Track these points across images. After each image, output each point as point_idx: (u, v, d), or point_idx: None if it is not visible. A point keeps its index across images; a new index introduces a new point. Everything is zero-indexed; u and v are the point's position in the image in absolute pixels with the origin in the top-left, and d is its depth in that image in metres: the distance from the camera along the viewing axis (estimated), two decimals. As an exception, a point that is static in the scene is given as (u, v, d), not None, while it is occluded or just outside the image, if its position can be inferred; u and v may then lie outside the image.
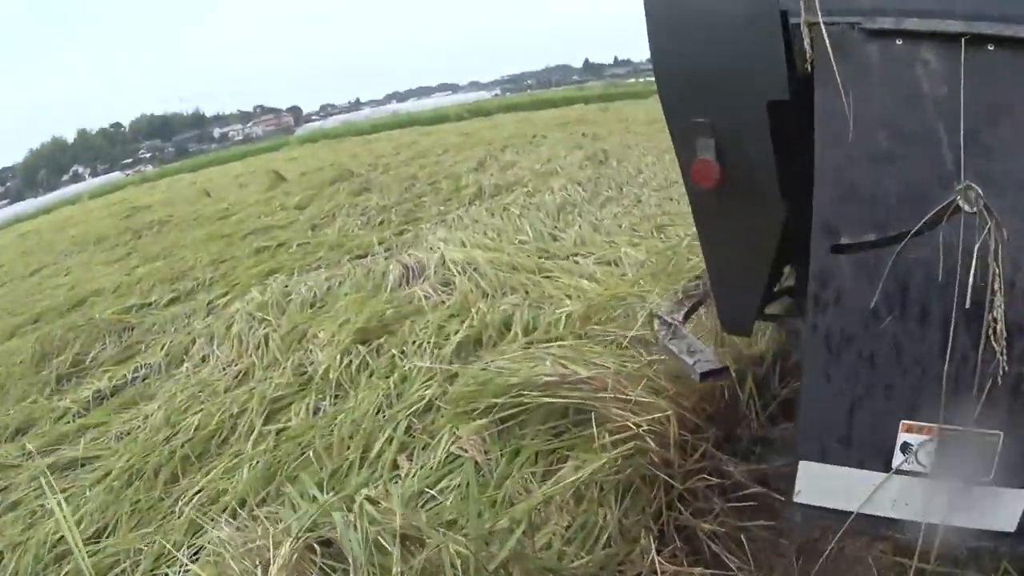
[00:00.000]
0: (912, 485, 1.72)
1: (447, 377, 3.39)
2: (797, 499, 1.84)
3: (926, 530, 1.71)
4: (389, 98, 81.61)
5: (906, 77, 1.59)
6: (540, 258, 5.33)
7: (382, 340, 4.09)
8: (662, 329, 2.66)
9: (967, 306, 1.54)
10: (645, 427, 2.42)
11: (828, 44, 1.59)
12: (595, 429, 2.49)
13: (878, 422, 1.73)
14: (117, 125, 74.04)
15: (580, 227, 6.27)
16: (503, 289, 4.62)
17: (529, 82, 77.99)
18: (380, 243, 6.90)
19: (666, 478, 2.35)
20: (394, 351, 3.89)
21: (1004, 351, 1.53)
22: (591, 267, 4.92)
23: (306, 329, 4.56)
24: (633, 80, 44.63)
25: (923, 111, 1.58)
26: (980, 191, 1.52)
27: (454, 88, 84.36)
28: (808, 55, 1.63)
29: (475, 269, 4.97)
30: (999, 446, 1.63)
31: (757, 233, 2.03)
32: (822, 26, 1.59)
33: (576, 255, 5.35)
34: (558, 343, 3.27)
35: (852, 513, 1.78)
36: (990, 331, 1.53)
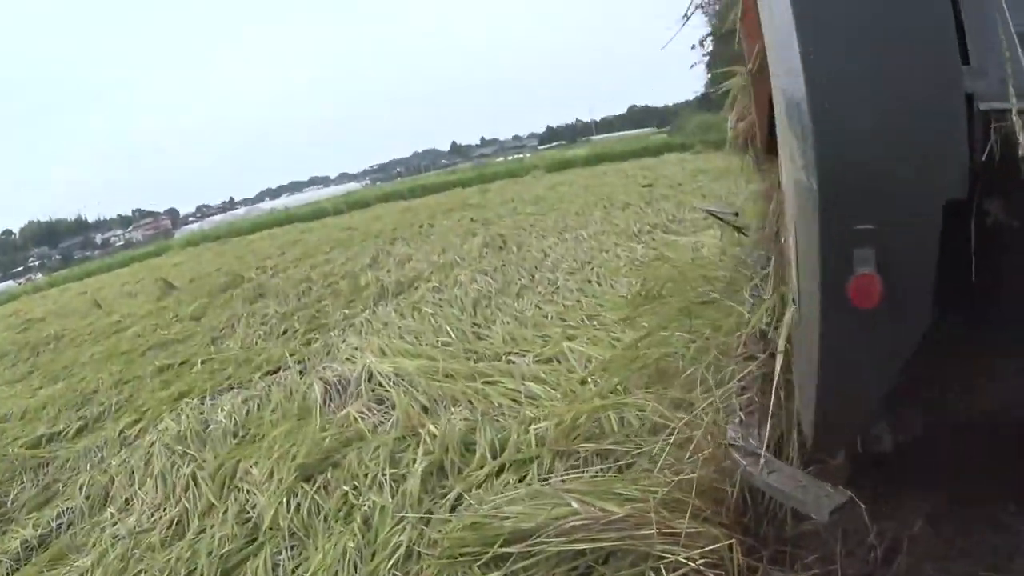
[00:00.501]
0: None
1: (419, 517, 3.05)
2: None
3: None
4: (262, 195, 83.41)
5: None
6: (471, 360, 5.03)
7: (327, 475, 3.69)
8: (750, 463, 2.39)
9: None
10: (699, 560, 2.23)
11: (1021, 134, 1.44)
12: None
13: None
14: (8, 232, 73.91)
15: (503, 322, 5.98)
16: (443, 402, 4.26)
17: (399, 169, 79.47)
18: (291, 355, 6.46)
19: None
20: (346, 488, 3.48)
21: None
22: (532, 367, 4.62)
23: (236, 465, 4.11)
24: (501, 159, 45.42)
25: None
26: None
27: (325, 181, 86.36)
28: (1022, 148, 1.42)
29: (407, 380, 4.61)
30: None
31: (892, 350, 1.83)
32: (1015, 114, 1.46)
33: (509, 354, 5.07)
34: (570, 478, 2.95)
35: None
36: None
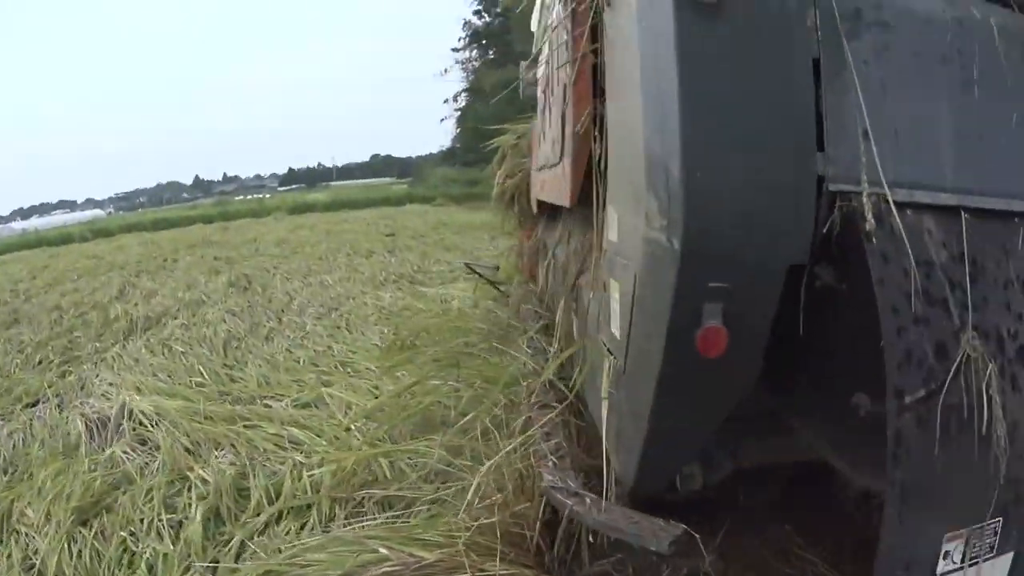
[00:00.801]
0: None
1: (206, 567, 2.92)
2: None
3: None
4: (15, 214, 76.14)
5: (919, 243, 1.75)
6: (226, 403, 4.85)
7: (103, 519, 3.43)
8: (577, 504, 2.41)
9: (983, 433, 1.73)
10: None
11: (869, 213, 1.70)
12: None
13: (931, 541, 1.78)
14: None
15: (256, 365, 5.82)
16: (206, 444, 4.09)
17: (142, 199, 75.75)
18: (49, 387, 5.95)
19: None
20: (123, 534, 3.26)
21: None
22: (291, 412, 4.54)
23: (11, 505, 3.75)
24: (241, 197, 44.24)
25: (936, 278, 1.75)
26: (980, 342, 1.73)
27: (72, 205, 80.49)
28: (869, 224, 1.69)
29: (168, 421, 4.41)
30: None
31: (724, 395, 2.04)
32: (865, 196, 1.71)
33: (266, 398, 4.94)
34: (360, 525, 2.93)
35: None
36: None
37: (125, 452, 4.07)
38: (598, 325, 2.51)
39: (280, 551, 2.84)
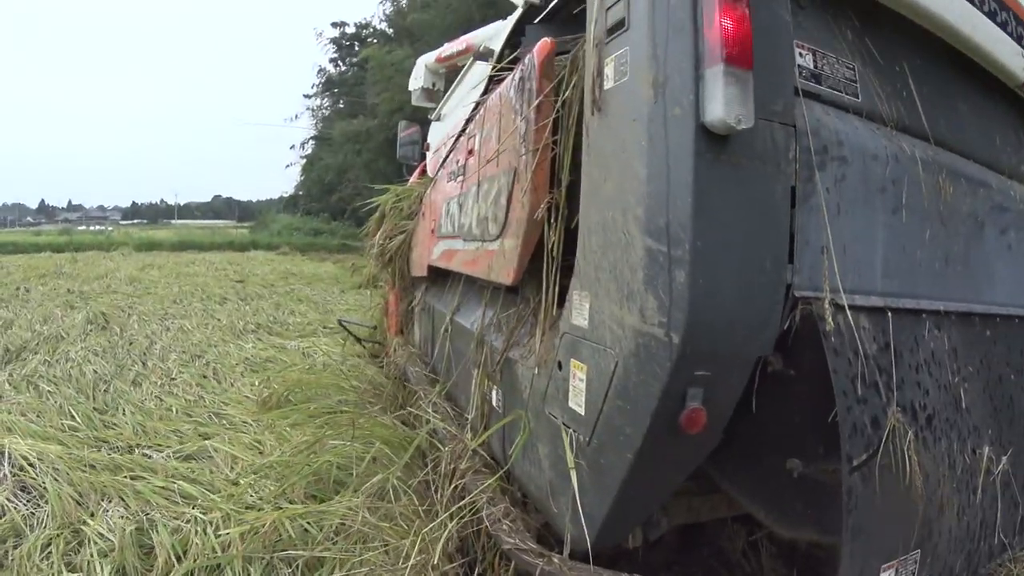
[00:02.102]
0: None
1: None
2: None
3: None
4: None
5: (858, 338, 2.07)
6: (106, 451, 4.54)
7: None
8: (546, 564, 2.47)
9: (906, 484, 2.05)
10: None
11: (829, 316, 2.00)
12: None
13: (872, 572, 2.05)
14: None
15: (128, 411, 5.50)
16: (93, 494, 3.79)
17: None
18: None
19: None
20: None
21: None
22: (174, 463, 4.31)
23: None
24: (84, 227, 42.10)
25: (871, 365, 2.07)
26: (901, 414, 2.09)
27: None
28: (828, 325, 1.99)
29: (49, 466, 4.05)
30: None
31: (688, 465, 2.28)
32: (826, 302, 2.01)
33: (143, 447, 4.66)
34: None
35: None
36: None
37: (9, 501, 3.71)
38: (544, 400, 2.62)
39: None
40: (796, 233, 1.99)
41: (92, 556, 3.18)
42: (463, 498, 3.00)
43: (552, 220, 2.59)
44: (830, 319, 2.00)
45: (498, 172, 3.12)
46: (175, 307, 10.83)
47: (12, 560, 3.20)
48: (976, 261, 2.70)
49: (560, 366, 2.46)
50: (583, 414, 2.28)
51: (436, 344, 4.64)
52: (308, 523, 3.34)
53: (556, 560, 2.46)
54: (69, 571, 3.11)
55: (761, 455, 2.41)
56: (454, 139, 4.57)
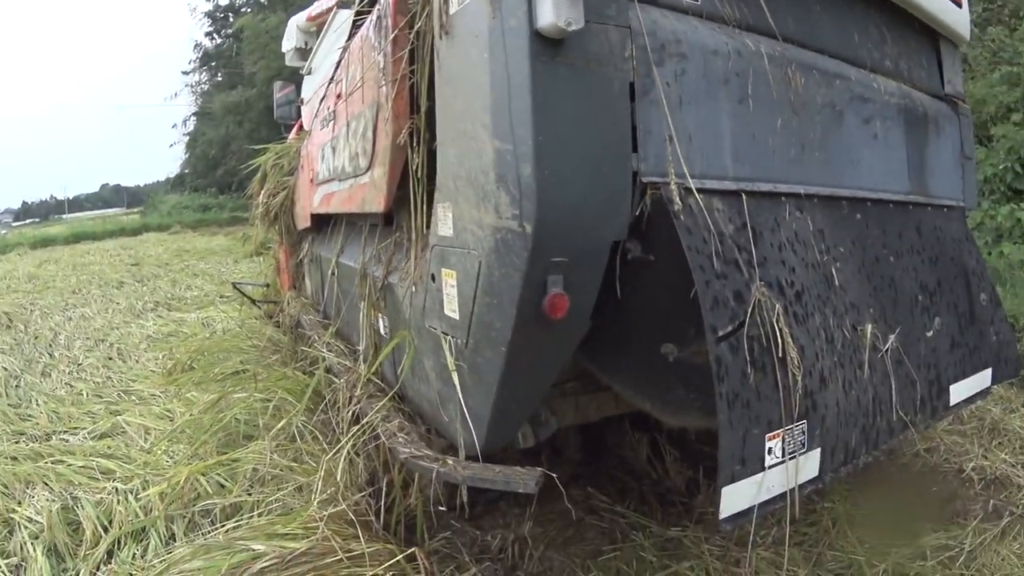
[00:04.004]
0: (776, 472, 2.10)
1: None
2: (723, 516, 1.99)
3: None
4: None
5: (712, 218, 2.14)
6: (24, 442, 4.43)
7: None
8: (442, 466, 2.49)
9: (780, 355, 2.11)
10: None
11: (676, 196, 2.06)
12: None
13: (756, 441, 2.05)
14: None
15: (42, 402, 5.33)
16: (16, 485, 3.70)
17: None
18: None
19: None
20: None
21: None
22: (91, 443, 4.25)
23: None
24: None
25: (728, 244, 2.14)
26: (766, 289, 2.15)
27: None
28: (676, 205, 2.05)
29: None
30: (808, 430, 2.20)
31: (559, 353, 2.31)
32: (673, 184, 2.07)
33: (60, 432, 4.58)
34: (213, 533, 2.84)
35: (755, 506, 2.05)
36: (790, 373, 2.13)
37: None
38: (423, 314, 2.62)
39: (147, 569, 2.71)
40: (638, 124, 2.04)
41: (24, 540, 3.15)
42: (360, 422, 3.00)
43: (415, 144, 2.60)
44: (678, 199, 2.06)
45: (363, 108, 3.13)
46: (75, 297, 10.47)
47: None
48: (837, 148, 2.73)
49: (433, 278, 2.47)
50: (458, 319, 2.30)
51: (326, 289, 4.61)
52: (222, 476, 3.38)
53: (451, 462, 2.49)
54: (3, 558, 3.07)
55: (637, 344, 2.45)
56: (324, 87, 4.54)
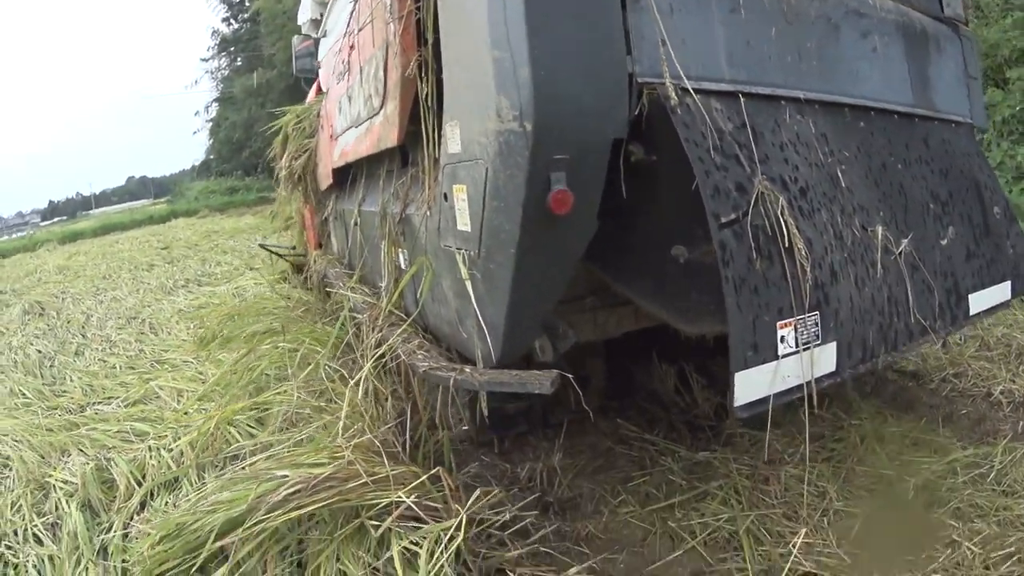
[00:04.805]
0: (790, 362, 2.14)
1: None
2: (738, 403, 2.02)
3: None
4: None
5: (710, 115, 2.19)
6: (58, 416, 4.37)
7: None
8: (459, 375, 2.54)
9: (786, 245, 2.14)
10: (411, 497, 2.31)
11: (672, 93, 2.10)
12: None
13: (768, 328, 2.09)
14: None
15: (76, 378, 5.30)
16: (55, 453, 3.67)
17: None
18: None
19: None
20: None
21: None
22: (125, 410, 4.21)
23: None
24: (7, 237, 39.96)
25: (728, 140, 2.19)
26: (769, 183, 2.18)
27: None
28: (672, 101, 2.09)
29: (9, 438, 3.94)
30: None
31: (570, 252, 2.29)
32: (668, 83, 2.10)
33: (95, 403, 4.56)
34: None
35: (771, 395, 2.09)
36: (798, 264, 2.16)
37: None
38: (439, 235, 2.65)
39: (176, 506, 2.69)
40: (630, 29, 2.07)
41: (59, 499, 3.11)
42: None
43: (424, 75, 2.63)
44: (675, 96, 2.09)
45: (374, 50, 3.18)
46: (105, 282, 10.47)
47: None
48: (835, 59, 2.72)
49: (446, 197, 2.49)
50: (470, 230, 2.32)
51: (350, 240, 4.64)
52: (251, 422, 3.35)
53: (468, 369, 2.54)
54: (39, 517, 3.03)
55: (647, 248, 2.48)
56: (339, 43, 4.59)
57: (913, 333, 2.58)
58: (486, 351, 2.48)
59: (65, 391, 5.09)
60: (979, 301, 2.96)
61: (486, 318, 2.42)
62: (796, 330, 2.15)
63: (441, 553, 2.13)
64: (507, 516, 2.55)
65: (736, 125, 2.25)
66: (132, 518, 2.85)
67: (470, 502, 2.38)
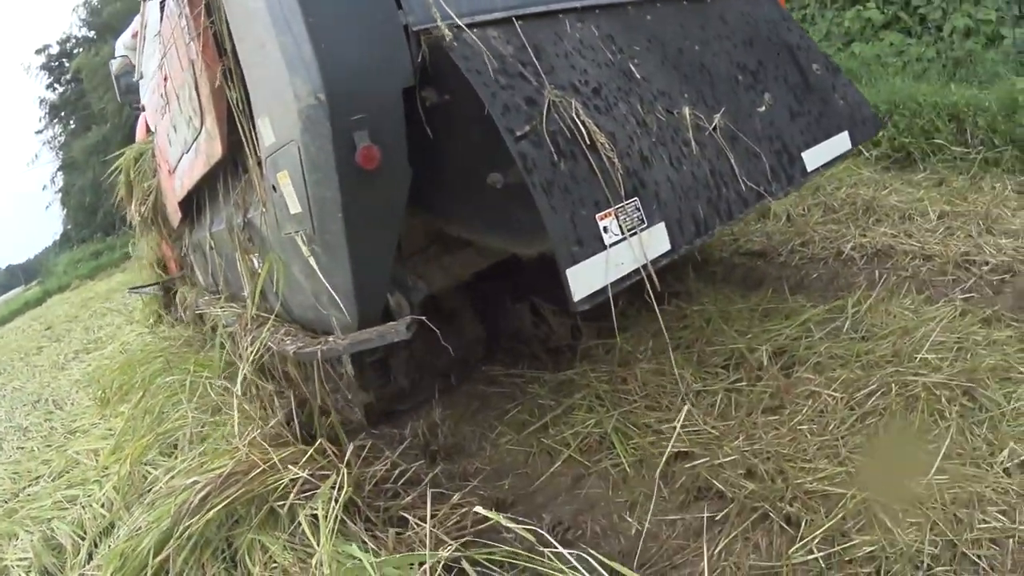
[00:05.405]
0: (620, 248, 2.20)
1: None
2: (576, 297, 2.07)
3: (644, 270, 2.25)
4: None
5: (488, 43, 2.30)
6: (2, 505, 4.48)
7: None
8: (324, 345, 2.68)
9: (588, 142, 2.24)
10: (307, 471, 2.53)
11: (446, 31, 2.25)
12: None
13: (587, 222, 2.15)
14: None
15: (0, 470, 5.31)
16: (3, 541, 3.77)
17: None
18: None
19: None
20: None
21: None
22: (54, 483, 4.33)
23: None
24: None
25: (510, 62, 2.31)
26: (559, 91, 2.30)
27: None
28: (447, 37, 2.24)
29: None
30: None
31: (393, 205, 2.38)
32: (441, 24, 2.24)
33: (25, 487, 4.65)
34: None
35: (607, 284, 2.14)
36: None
37: None
38: (278, 226, 2.73)
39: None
40: None
41: (20, 575, 3.33)
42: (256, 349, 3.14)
43: (231, 83, 2.68)
44: (449, 35, 2.23)
45: (183, 74, 3.20)
46: (2, 377, 10.28)
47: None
48: None
49: (275, 188, 2.57)
50: (301, 210, 2.41)
51: (210, 265, 4.63)
52: (161, 455, 3.58)
53: (330, 339, 2.67)
54: None
55: (468, 183, 2.56)
56: (153, 78, 4.51)
57: (747, 200, 2.60)
58: (343, 319, 2.59)
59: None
60: (815, 157, 2.96)
61: (335, 286, 2.50)
62: (618, 218, 2.20)
63: (334, 507, 2.34)
64: (395, 470, 2.82)
65: (516, 47, 2.34)
66: (84, 568, 3.07)
67: (347, 454, 2.68)
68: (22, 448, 5.87)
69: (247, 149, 2.78)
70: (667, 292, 3.92)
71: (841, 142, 3.10)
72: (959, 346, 2.84)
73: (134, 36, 6.07)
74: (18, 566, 3.42)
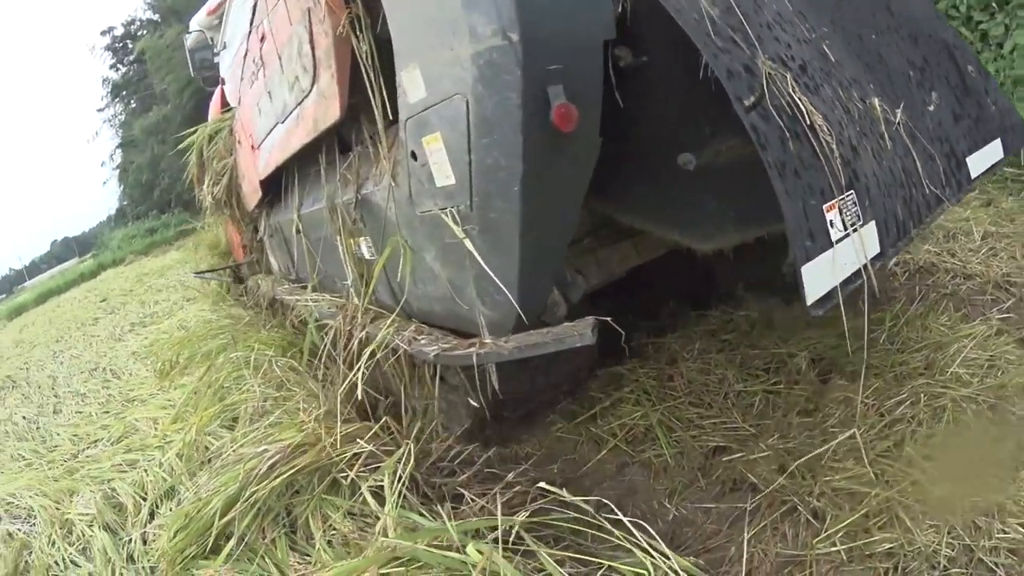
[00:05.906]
0: (844, 246, 1.90)
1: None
2: (810, 301, 1.78)
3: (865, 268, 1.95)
4: None
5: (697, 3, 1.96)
6: (57, 467, 4.61)
7: None
8: (480, 348, 2.22)
9: (807, 123, 1.93)
10: (374, 446, 2.57)
11: None
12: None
13: (817, 213, 1.85)
14: None
15: (61, 432, 5.53)
16: (64, 498, 3.90)
17: None
18: None
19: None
20: None
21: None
22: (112, 447, 4.46)
23: None
24: None
25: (720, 25, 1.96)
26: (772, 63, 1.97)
27: None
28: None
29: (20, 497, 4.16)
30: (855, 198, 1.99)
31: (578, 178, 2.04)
32: None
33: (85, 449, 4.80)
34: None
35: (836, 287, 1.85)
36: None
37: (8, 529, 3.83)
38: (412, 203, 2.34)
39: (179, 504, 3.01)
40: None
41: (82, 529, 3.43)
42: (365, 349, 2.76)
43: (358, 32, 2.36)
44: None
45: (292, 27, 2.90)
46: (60, 344, 10.52)
47: (32, 563, 3.42)
48: None
49: (414, 156, 2.20)
50: (454, 182, 2.04)
51: (294, 252, 4.26)
52: (224, 426, 3.65)
53: (488, 341, 2.21)
54: (69, 545, 3.36)
55: (650, 165, 2.26)
56: (244, 44, 4.21)
57: (930, 204, 2.31)
58: (498, 316, 2.16)
59: (56, 445, 5.31)
60: (977, 163, 2.67)
61: (498, 270, 2.06)
62: (840, 212, 1.91)
63: (399, 480, 2.39)
64: (450, 451, 2.87)
65: (722, 10, 2.00)
66: (145, 527, 3.16)
67: (414, 432, 2.75)
68: (80, 412, 6.02)
69: (375, 108, 2.42)
70: (714, 298, 3.98)
71: (995, 150, 2.85)
72: (991, 363, 2.85)
73: (209, 14, 6.08)
74: (81, 519, 3.53)
